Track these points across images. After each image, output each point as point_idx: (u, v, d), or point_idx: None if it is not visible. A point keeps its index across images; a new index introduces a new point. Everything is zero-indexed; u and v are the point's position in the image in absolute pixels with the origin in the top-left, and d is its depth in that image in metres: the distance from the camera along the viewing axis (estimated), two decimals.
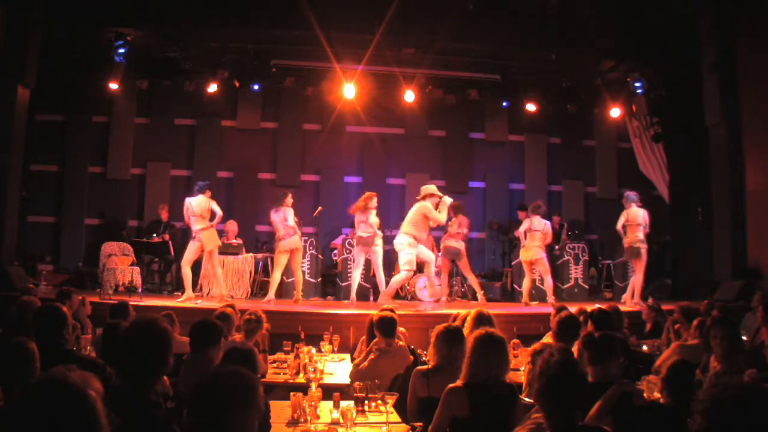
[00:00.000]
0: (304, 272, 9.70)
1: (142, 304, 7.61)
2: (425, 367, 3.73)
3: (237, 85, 11.06)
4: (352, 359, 5.00)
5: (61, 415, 1.52)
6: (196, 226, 8.42)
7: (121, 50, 9.64)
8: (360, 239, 8.79)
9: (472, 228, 10.91)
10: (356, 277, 8.92)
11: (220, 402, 1.96)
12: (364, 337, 4.98)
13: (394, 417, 3.43)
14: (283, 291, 9.80)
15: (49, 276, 9.94)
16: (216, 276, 8.75)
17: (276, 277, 8.78)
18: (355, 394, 3.65)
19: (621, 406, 3.12)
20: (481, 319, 4.50)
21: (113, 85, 10.27)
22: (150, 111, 11.81)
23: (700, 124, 9.62)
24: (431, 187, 8.44)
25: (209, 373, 2.12)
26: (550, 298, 9.16)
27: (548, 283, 9.22)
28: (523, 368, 4.55)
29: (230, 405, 1.97)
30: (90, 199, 11.49)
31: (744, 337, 5.23)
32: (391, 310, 4.80)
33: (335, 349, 5.80)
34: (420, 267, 9.07)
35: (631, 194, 9.20)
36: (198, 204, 8.42)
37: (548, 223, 9.39)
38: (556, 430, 2.37)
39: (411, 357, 4.52)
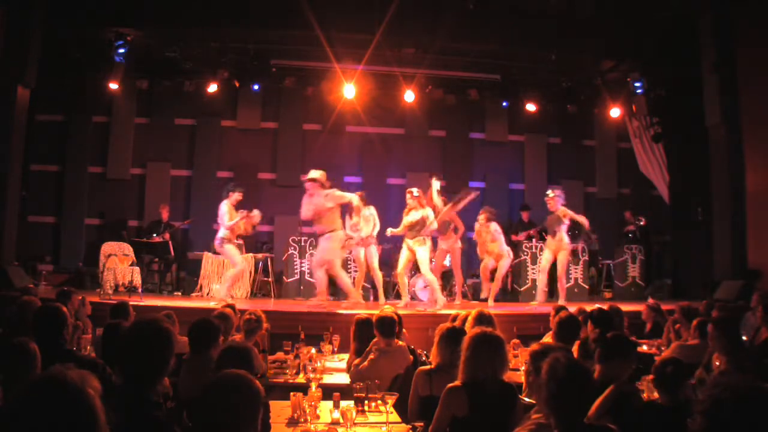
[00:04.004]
0: (304, 272, 9.71)
1: (142, 304, 7.61)
2: (428, 366, 3.73)
3: (237, 85, 11.06)
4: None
5: (60, 413, 1.52)
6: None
7: (121, 50, 9.65)
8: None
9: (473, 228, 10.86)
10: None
11: (228, 407, 2.05)
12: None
13: (394, 417, 3.42)
14: (283, 291, 9.82)
15: (49, 276, 9.95)
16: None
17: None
18: (355, 394, 3.64)
19: (620, 406, 3.12)
20: (481, 319, 4.50)
21: (113, 85, 10.30)
22: (150, 111, 11.80)
23: (700, 124, 9.62)
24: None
25: (211, 379, 2.16)
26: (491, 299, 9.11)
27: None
28: (523, 368, 4.55)
29: (237, 410, 2.05)
30: (90, 199, 11.48)
31: (744, 337, 5.23)
32: (393, 311, 4.80)
33: (335, 349, 5.79)
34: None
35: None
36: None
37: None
38: (565, 429, 2.37)
39: (411, 357, 4.52)
